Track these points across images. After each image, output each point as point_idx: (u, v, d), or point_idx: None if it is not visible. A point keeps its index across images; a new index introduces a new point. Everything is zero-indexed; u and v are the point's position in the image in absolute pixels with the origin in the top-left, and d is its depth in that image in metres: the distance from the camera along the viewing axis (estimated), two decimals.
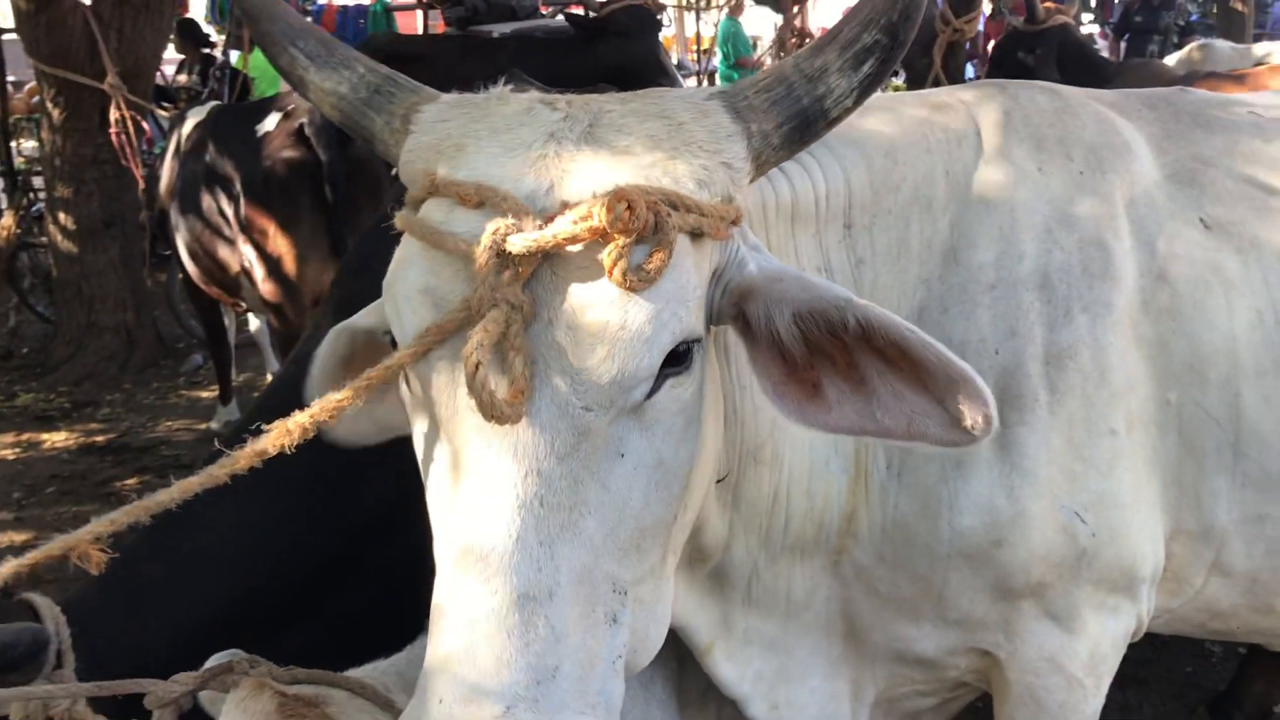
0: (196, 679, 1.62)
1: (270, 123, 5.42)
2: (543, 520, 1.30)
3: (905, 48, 1.45)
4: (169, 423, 7.24)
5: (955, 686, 2.34)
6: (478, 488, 1.31)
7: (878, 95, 2.30)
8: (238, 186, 5.38)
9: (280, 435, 1.35)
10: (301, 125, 5.26)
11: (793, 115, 1.43)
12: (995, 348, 2.03)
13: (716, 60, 15.97)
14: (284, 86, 11.53)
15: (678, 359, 1.39)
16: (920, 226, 2.10)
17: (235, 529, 2.32)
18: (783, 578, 2.10)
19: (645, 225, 1.27)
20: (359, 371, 1.45)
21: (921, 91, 2.38)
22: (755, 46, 15.41)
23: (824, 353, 1.47)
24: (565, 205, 1.31)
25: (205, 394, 7.69)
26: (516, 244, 1.27)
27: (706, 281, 1.46)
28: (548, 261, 1.31)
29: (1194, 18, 12.84)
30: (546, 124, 1.40)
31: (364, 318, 1.71)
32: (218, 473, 1.36)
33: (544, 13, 12.52)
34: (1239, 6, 9.25)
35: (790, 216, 1.98)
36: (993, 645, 2.14)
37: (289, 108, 5.46)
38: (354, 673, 1.77)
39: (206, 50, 11.07)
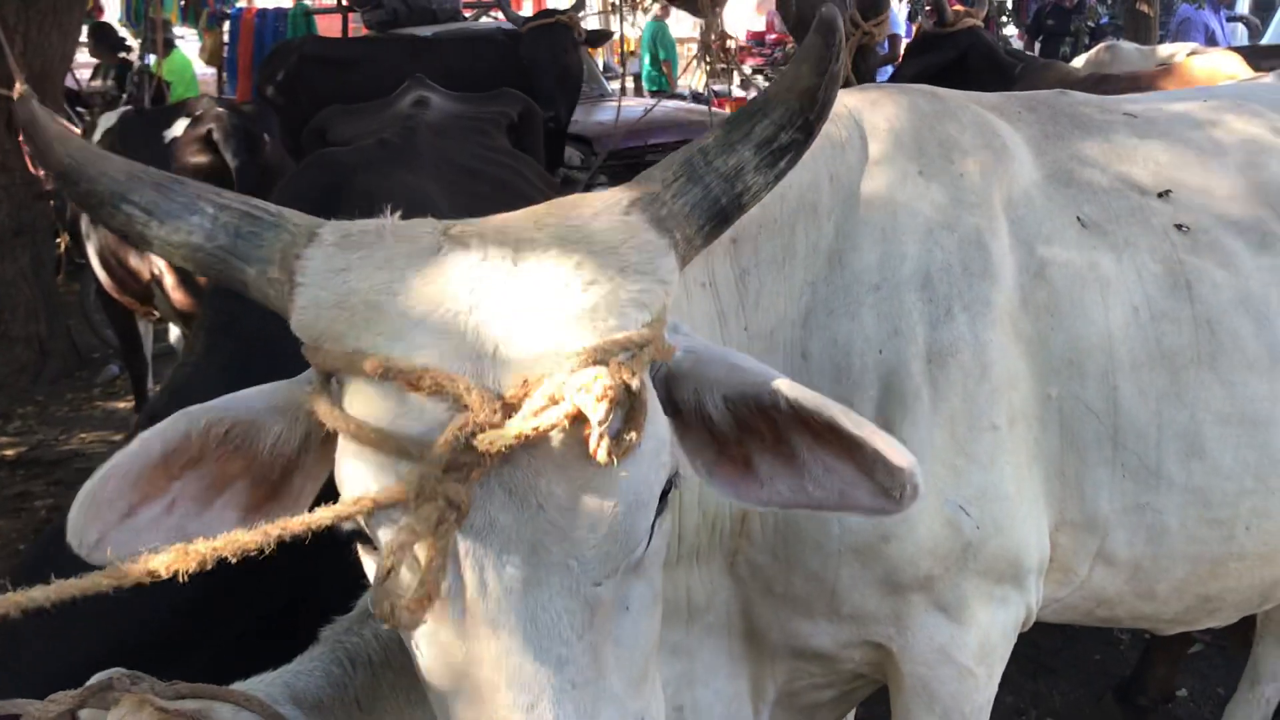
0: (75, 697, 1.59)
1: (178, 128, 5.35)
2: (580, 702, 1.25)
3: (815, 138, 1.43)
4: (83, 435, 7.08)
5: (852, 679, 2.38)
6: (506, 681, 1.24)
7: None
8: None
9: (177, 559, 1.18)
10: (209, 131, 5.19)
11: (712, 216, 1.40)
12: (879, 347, 2.07)
13: (644, 62, 16.03)
14: (204, 94, 11.36)
15: (662, 497, 1.34)
16: (806, 232, 2.13)
17: None
18: (682, 585, 2.12)
19: (620, 395, 1.20)
20: (185, 467, 1.31)
21: None
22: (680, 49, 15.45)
23: (752, 429, 1.44)
24: (525, 382, 1.20)
25: (122, 405, 7.53)
26: (490, 443, 1.16)
27: None
28: (519, 449, 1.20)
29: (1104, 20, 13.15)
30: (466, 268, 1.28)
31: (241, 403, 1.39)
32: (104, 583, 1.19)
33: (466, 16, 12.48)
34: (1145, 9, 9.50)
35: None
36: (885, 638, 2.18)
37: (197, 113, 5.39)
38: (240, 686, 1.75)
39: (122, 55, 10.84)
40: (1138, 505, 2.24)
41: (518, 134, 4.16)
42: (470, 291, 1.25)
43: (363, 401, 1.25)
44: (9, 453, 6.76)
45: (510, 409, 1.19)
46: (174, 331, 7.32)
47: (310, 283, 1.29)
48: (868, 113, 2.28)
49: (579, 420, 1.19)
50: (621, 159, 8.44)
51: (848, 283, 2.10)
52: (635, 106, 9.63)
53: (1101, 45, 7.96)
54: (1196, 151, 2.46)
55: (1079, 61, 7.78)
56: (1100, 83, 5.13)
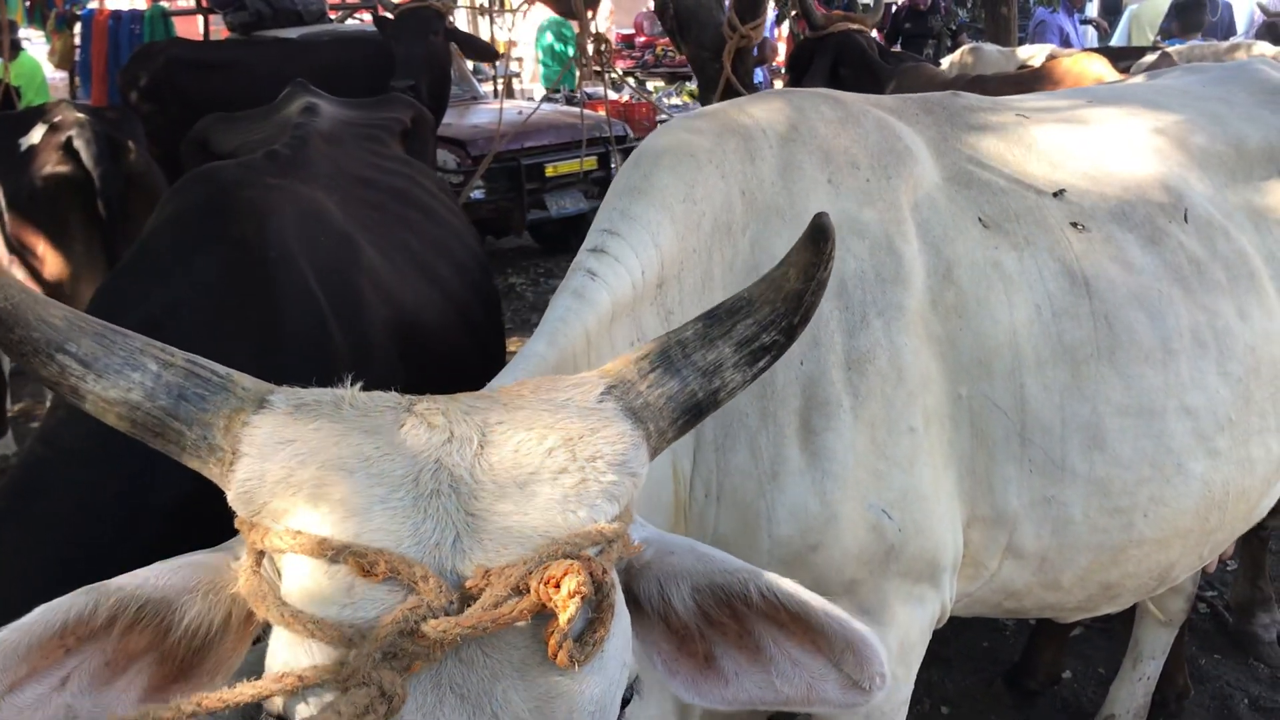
0: None
1: (36, 135, 5.06)
2: None
3: (797, 338, 1.39)
4: None
5: None
6: None
7: (672, 126, 2.32)
8: (1, 204, 5.01)
9: None
10: (70, 138, 4.94)
11: (688, 410, 1.34)
12: (800, 359, 2.08)
13: (513, 65, 15.88)
14: (53, 95, 10.84)
15: (622, 706, 1.26)
16: (721, 253, 2.13)
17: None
18: None
19: (589, 591, 1.12)
20: (83, 640, 1.20)
21: (713, 109, 2.41)
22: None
23: (715, 622, 1.37)
24: (487, 573, 1.12)
25: None
26: (444, 630, 1.07)
27: None
28: (476, 641, 1.12)
29: (962, 21, 13.55)
30: (428, 449, 1.21)
31: (156, 580, 1.27)
32: None
33: (332, 18, 12.20)
34: (1005, 12, 9.83)
35: (610, 319, 1.94)
36: None
37: (55, 119, 5.11)
38: None
39: None
40: (1044, 499, 2.29)
41: (410, 140, 4.05)
42: (433, 474, 1.19)
43: (304, 586, 1.15)
44: None
45: (468, 600, 1.11)
46: None
47: (255, 454, 1.21)
48: (773, 121, 2.28)
49: (541, 616, 1.11)
50: (496, 161, 8.35)
51: None
52: (510, 108, 9.55)
53: (965, 47, 8.20)
54: (1085, 151, 2.53)
55: (944, 63, 8.01)
56: (972, 84, 5.27)
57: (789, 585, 1.32)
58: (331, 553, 1.13)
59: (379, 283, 2.84)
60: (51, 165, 4.91)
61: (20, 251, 5.00)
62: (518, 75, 16.43)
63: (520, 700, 1.13)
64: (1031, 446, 2.25)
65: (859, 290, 2.14)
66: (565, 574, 1.10)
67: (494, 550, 1.15)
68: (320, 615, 1.12)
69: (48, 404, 7.43)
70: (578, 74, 7.22)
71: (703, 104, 6.67)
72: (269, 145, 3.26)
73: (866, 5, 11.50)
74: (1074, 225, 2.37)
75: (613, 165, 10.09)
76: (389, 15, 8.37)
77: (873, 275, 2.16)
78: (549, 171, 10.08)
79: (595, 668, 1.16)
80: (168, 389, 1.23)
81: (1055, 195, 2.40)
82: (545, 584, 1.10)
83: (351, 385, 1.30)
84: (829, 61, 6.12)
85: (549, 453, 1.23)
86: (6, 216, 4.98)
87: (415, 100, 4.62)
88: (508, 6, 15.86)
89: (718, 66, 5.74)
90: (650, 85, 16.94)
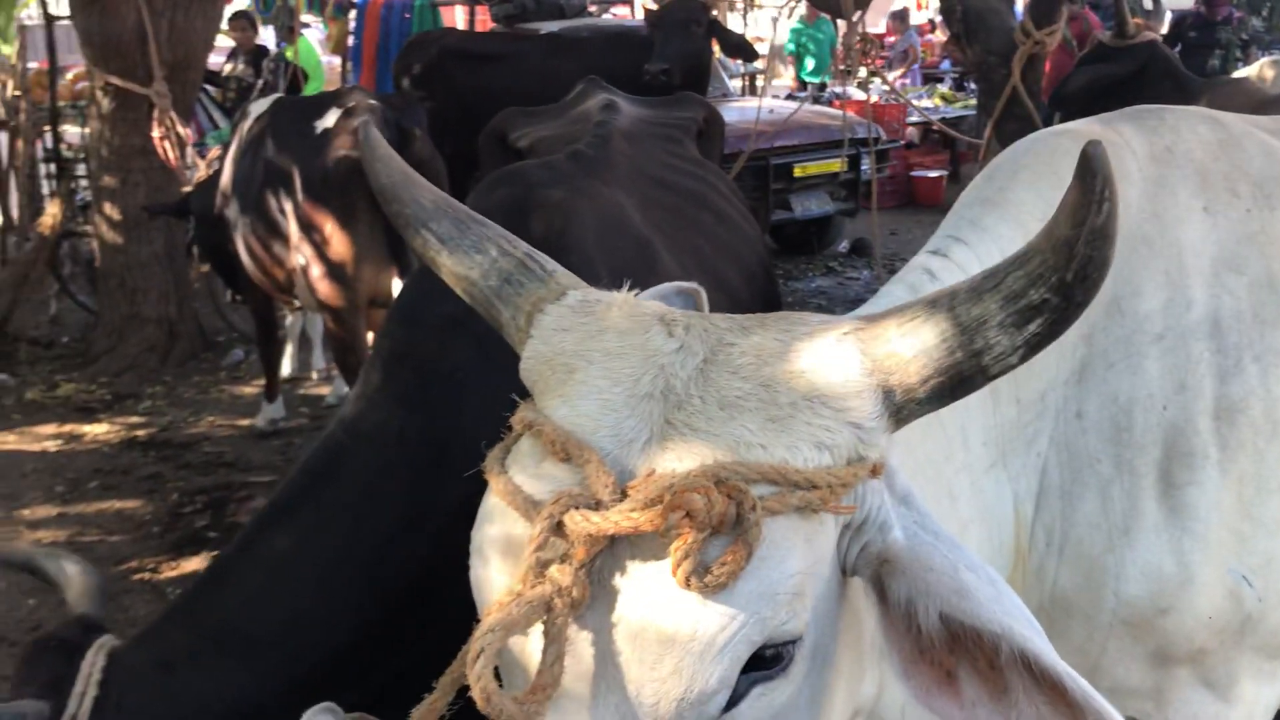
0: None
1: (330, 119, 5.30)
2: None
3: (1084, 308, 1.18)
4: (211, 418, 7.14)
5: None
6: None
7: (1034, 140, 2.17)
8: (296, 183, 5.26)
9: None
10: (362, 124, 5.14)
11: (943, 370, 1.20)
12: (1163, 403, 1.90)
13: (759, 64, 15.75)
14: (328, 82, 11.46)
15: (768, 662, 1.19)
16: None
17: (278, 608, 2.25)
18: None
19: (721, 521, 1.10)
20: None
21: (1077, 125, 2.23)
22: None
23: (962, 646, 1.25)
24: (648, 475, 1.15)
25: (248, 390, 7.60)
26: (574, 525, 1.12)
27: (827, 556, 1.25)
28: (625, 542, 1.14)
29: (1256, 31, 12.54)
30: (657, 355, 1.25)
31: None
32: None
33: (591, 11, 12.43)
34: None
35: None
36: (1141, 714, 2.00)
37: (349, 104, 5.34)
38: None
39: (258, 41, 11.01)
40: None
41: (702, 141, 4.01)
42: (653, 379, 1.23)
43: (516, 454, 1.27)
44: (139, 433, 6.85)
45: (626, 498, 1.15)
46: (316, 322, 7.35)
47: (537, 337, 1.33)
48: (1144, 141, 2.09)
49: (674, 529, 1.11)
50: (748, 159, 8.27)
51: (1128, 333, 1.93)
52: (763, 107, 9.45)
53: (1264, 60, 7.59)
54: None
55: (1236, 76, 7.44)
56: None
57: (1047, 658, 1.17)
58: (532, 427, 1.24)
59: None
60: (344, 149, 5.11)
61: (309, 230, 5.24)
62: (762, 73, 16.31)
63: (633, 610, 1.14)
64: None
65: (1234, 331, 1.94)
66: (694, 492, 1.10)
67: (671, 460, 1.17)
68: (513, 480, 1.23)
69: (313, 374, 7.83)
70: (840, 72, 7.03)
71: (985, 112, 6.42)
72: (568, 141, 3.26)
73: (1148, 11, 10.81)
74: None
75: (863, 168, 9.86)
76: (655, 5, 8.42)
77: (1250, 315, 1.95)
78: (797, 172, 9.93)
79: (718, 600, 1.12)
80: (499, 272, 1.38)
81: None
82: (672, 497, 1.10)
83: (629, 290, 1.40)
84: (1131, 72, 5.71)
85: (764, 383, 1.22)
86: (300, 196, 5.23)
87: (709, 103, 4.56)
88: (756, 4, 15.80)
89: (1005, 73, 5.48)
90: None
